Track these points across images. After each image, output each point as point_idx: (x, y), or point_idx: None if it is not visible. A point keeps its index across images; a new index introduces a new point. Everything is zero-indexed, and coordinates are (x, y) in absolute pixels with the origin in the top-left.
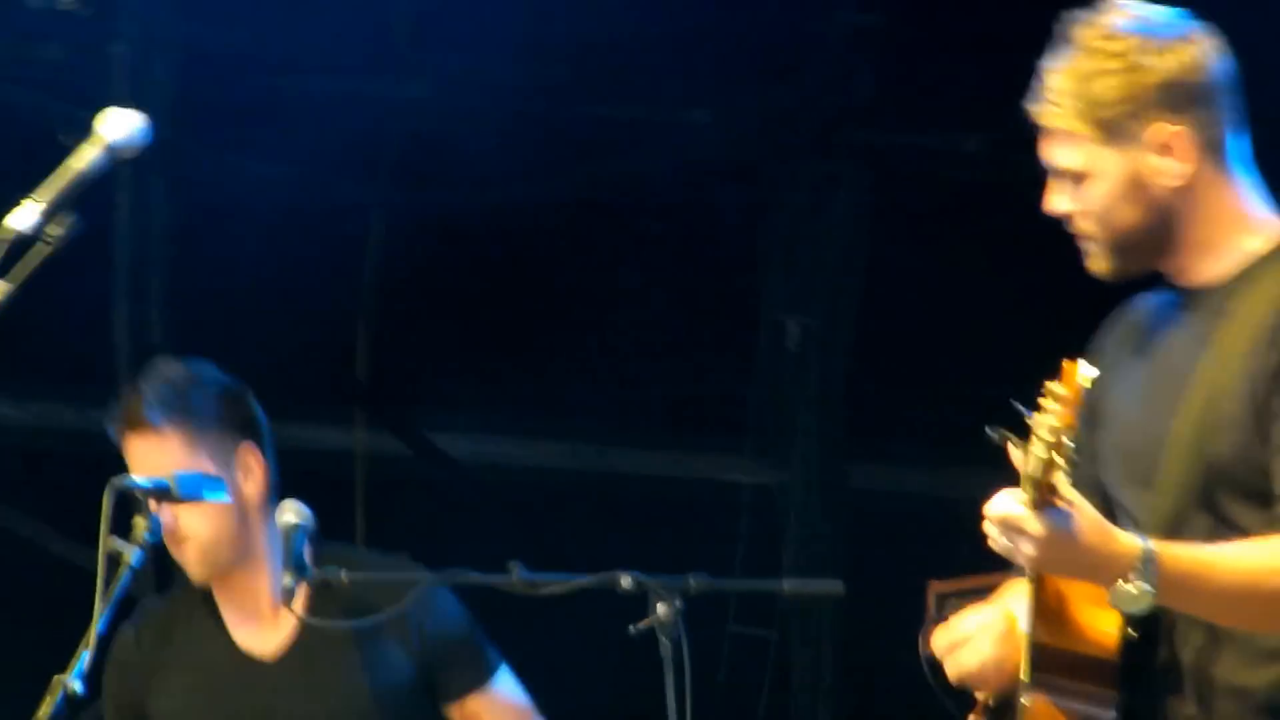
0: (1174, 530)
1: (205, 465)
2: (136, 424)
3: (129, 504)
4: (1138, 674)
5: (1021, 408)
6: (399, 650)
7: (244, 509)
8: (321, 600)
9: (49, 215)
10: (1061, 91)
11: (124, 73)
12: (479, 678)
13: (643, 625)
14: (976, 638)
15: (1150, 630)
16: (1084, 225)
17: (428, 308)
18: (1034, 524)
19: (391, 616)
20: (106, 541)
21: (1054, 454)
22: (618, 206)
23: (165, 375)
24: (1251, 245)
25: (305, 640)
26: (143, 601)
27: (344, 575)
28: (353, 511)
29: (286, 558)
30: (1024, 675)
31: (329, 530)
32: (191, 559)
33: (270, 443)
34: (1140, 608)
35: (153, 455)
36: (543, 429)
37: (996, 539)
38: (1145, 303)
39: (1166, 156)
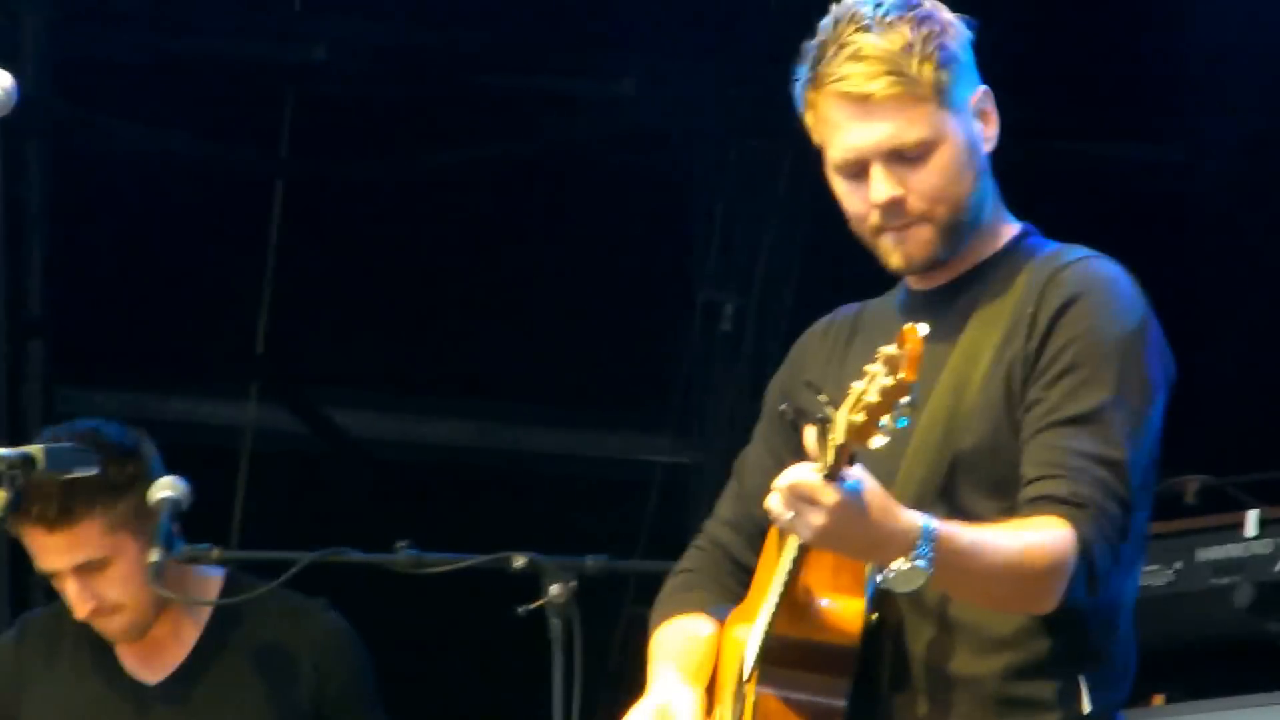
0: None
1: (126, 539)
2: (48, 520)
3: None
4: (872, 663)
5: (816, 386)
6: (292, 691)
7: (160, 562)
8: (220, 627)
9: None
10: (892, 61)
11: None
12: None
13: (533, 606)
14: None
15: (887, 618)
16: (919, 206)
17: (330, 280)
18: (828, 492)
19: (266, 592)
20: None
21: (881, 416)
22: (536, 177)
23: (60, 456)
24: (995, 237)
25: (193, 666)
26: (25, 614)
27: (215, 552)
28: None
29: (155, 533)
30: (748, 672)
31: (210, 506)
32: (118, 629)
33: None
34: (915, 586)
35: (71, 550)
36: (452, 407)
37: (780, 512)
38: (851, 312)
39: (983, 119)
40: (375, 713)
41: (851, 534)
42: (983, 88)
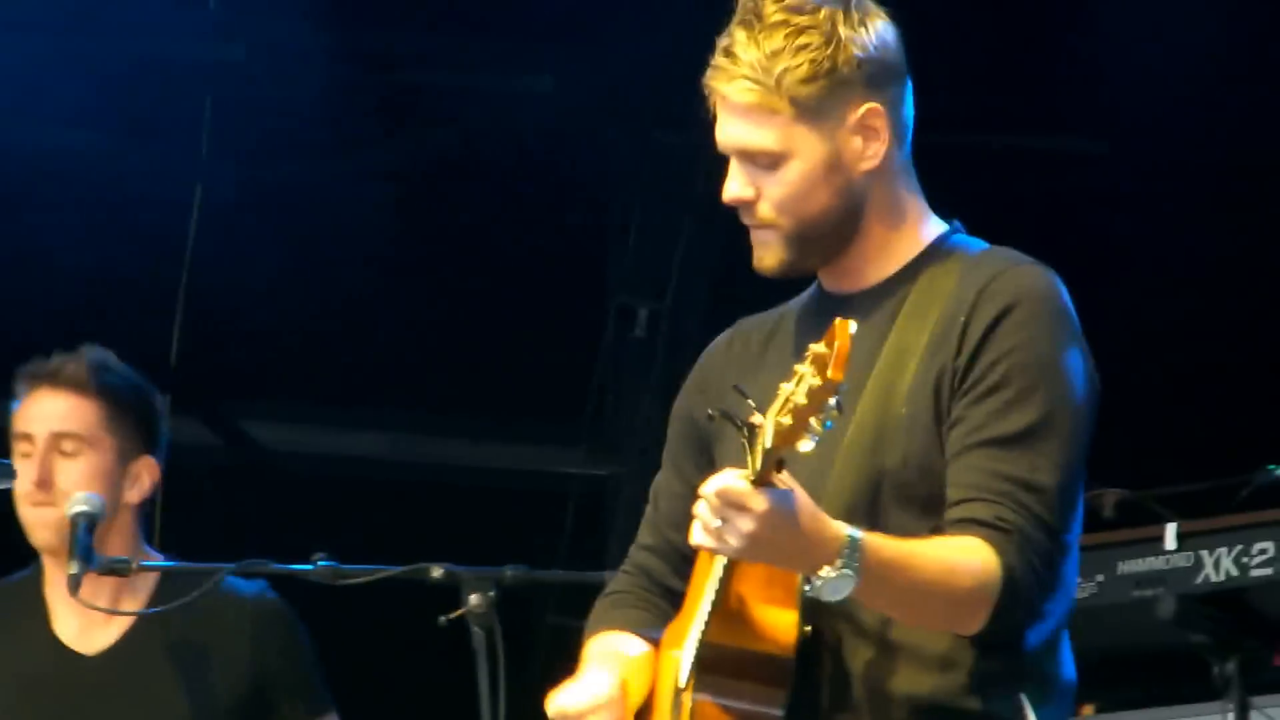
0: None
1: (111, 441)
2: (68, 381)
3: None
4: (811, 680)
5: (744, 391)
6: (233, 665)
7: (114, 508)
8: (159, 602)
9: None
10: (754, 66)
11: None
12: (307, 713)
13: (453, 615)
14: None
15: (825, 634)
16: (766, 213)
17: (243, 290)
18: (757, 499)
19: (190, 601)
20: None
21: (809, 418)
22: (449, 175)
23: (105, 356)
24: (913, 242)
25: (133, 641)
26: None
27: (134, 564)
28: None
29: (72, 546)
30: (683, 680)
31: None
32: (51, 520)
33: (164, 459)
34: (841, 595)
35: (68, 415)
36: (367, 418)
37: (707, 520)
38: (764, 319)
39: (865, 137)
40: (319, 686)
41: (780, 541)
42: (871, 105)
